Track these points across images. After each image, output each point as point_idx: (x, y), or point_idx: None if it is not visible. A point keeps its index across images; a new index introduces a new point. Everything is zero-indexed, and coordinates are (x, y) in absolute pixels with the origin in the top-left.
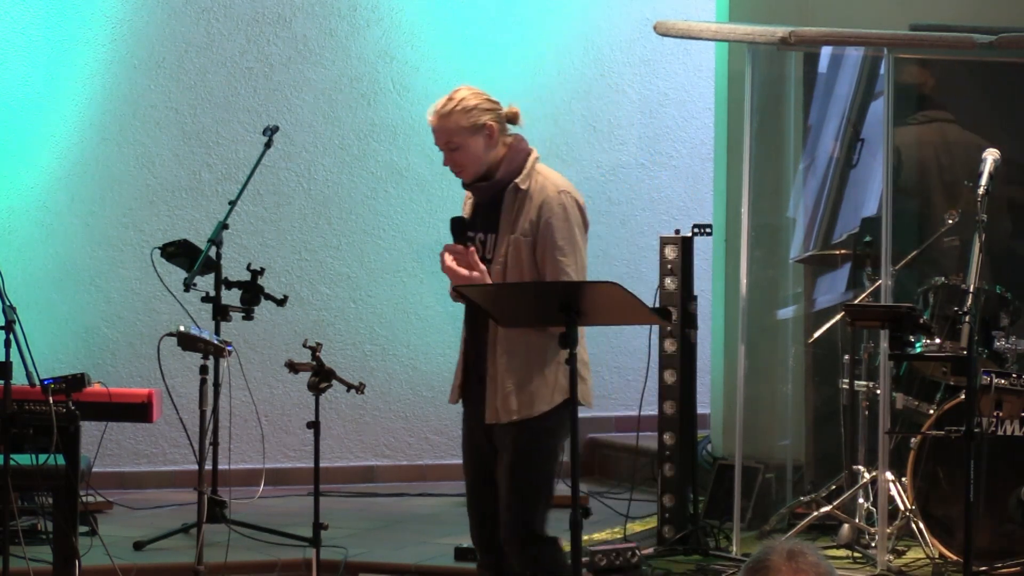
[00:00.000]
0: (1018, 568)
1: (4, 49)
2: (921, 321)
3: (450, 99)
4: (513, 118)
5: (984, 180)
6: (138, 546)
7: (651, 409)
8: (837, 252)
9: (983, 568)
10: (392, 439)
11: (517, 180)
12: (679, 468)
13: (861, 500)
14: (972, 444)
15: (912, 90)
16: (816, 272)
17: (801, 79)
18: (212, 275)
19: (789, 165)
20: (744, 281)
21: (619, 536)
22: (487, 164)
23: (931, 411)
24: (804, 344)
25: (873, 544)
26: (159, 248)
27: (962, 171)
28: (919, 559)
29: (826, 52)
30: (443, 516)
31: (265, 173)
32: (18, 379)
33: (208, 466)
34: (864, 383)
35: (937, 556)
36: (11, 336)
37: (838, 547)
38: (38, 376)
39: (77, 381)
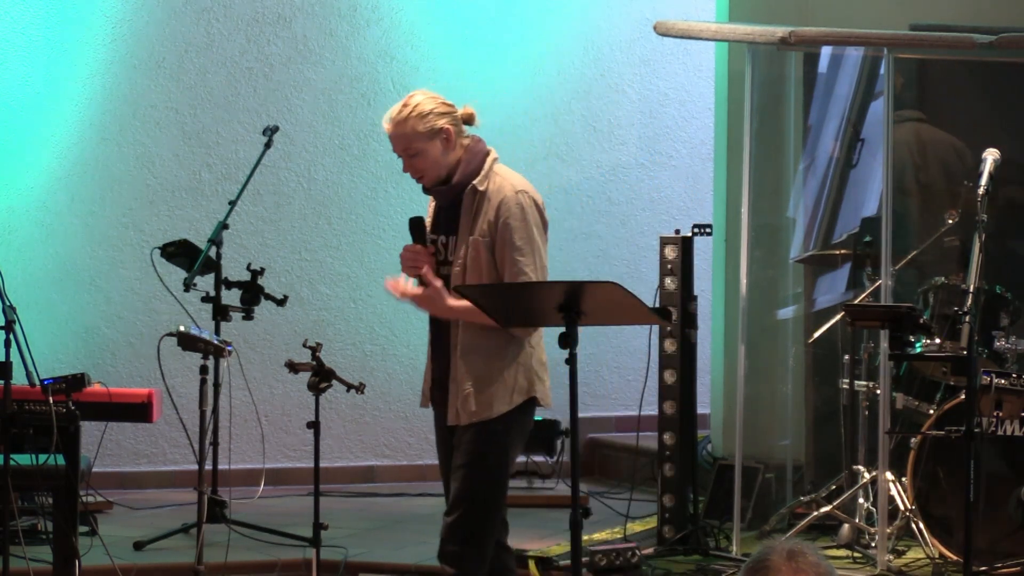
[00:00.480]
0: (1018, 568)
1: (4, 49)
2: (921, 321)
3: (405, 105)
4: (469, 119)
5: (984, 180)
6: (138, 546)
7: (651, 409)
8: (837, 252)
9: (983, 568)
10: (392, 439)
11: (475, 182)
12: (679, 468)
13: (861, 500)
14: (972, 444)
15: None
16: (816, 272)
17: (801, 79)
18: (212, 275)
19: (789, 165)
20: (744, 281)
21: (619, 536)
22: (446, 167)
23: (931, 411)
24: (804, 344)
25: (873, 544)
26: (159, 248)
27: (936, 170)
28: (919, 559)
29: (826, 52)
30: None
31: (265, 173)
32: (18, 379)
33: (208, 466)
34: (864, 383)
35: (937, 556)
36: (11, 336)
37: (838, 547)
38: (38, 376)
39: (77, 381)
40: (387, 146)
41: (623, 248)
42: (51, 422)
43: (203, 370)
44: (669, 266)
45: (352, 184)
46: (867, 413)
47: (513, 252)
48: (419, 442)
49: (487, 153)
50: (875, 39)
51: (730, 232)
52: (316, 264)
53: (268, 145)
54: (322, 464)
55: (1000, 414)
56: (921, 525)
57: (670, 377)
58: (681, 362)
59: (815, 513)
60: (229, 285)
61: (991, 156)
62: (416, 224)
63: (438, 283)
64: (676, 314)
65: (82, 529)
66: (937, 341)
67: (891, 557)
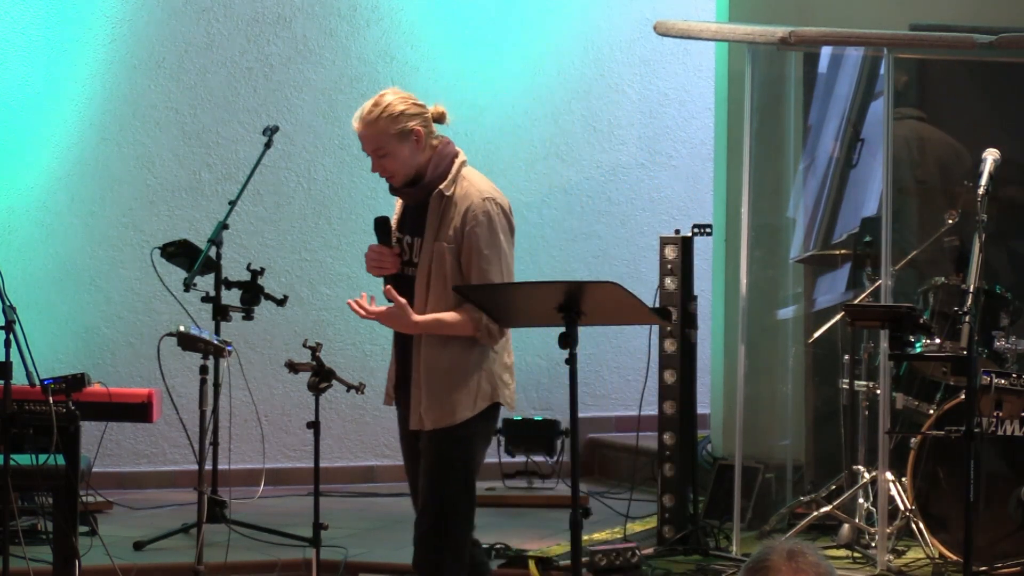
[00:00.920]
0: (1018, 568)
1: (4, 49)
2: (921, 321)
3: (376, 105)
4: (440, 118)
5: (984, 180)
6: (138, 546)
7: (651, 409)
8: (837, 252)
9: (983, 568)
10: (392, 439)
11: (442, 186)
12: (679, 468)
13: (861, 500)
14: (972, 444)
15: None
16: (816, 272)
17: (801, 79)
18: (212, 275)
19: (789, 165)
20: (744, 281)
21: (619, 536)
22: (415, 168)
23: (931, 411)
24: (804, 344)
25: (873, 544)
26: (159, 248)
27: (933, 170)
28: (919, 559)
29: (826, 52)
30: None
31: (265, 173)
32: (18, 379)
33: (208, 466)
34: (864, 383)
35: (937, 556)
36: (11, 336)
37: (838, 547)
38: (38, 376)
39: (77, 381)
40: None
41: (623, 248)
42: (51, 422)
43: (203, 370)
44: (669, 266)
45: (352, 184)
46: (867, 413)
47: (479, 260)
48: None
49: (455, 156)
50: (875, 39)
51: (730, 232)
52: (316, 264)
53: (268, 145)
54: (322, 464)
55: (1000, 414)
56: (921, 525)
57: (670, 377)
58: (681, 362)
59: (815, 513)
60: (229, 285)
61: (991, 156)
62: (382, 224)
63: (402, 300)
64: (676, 314)
65: (82, 529)
66: (937, 341)
67: (891, 557)
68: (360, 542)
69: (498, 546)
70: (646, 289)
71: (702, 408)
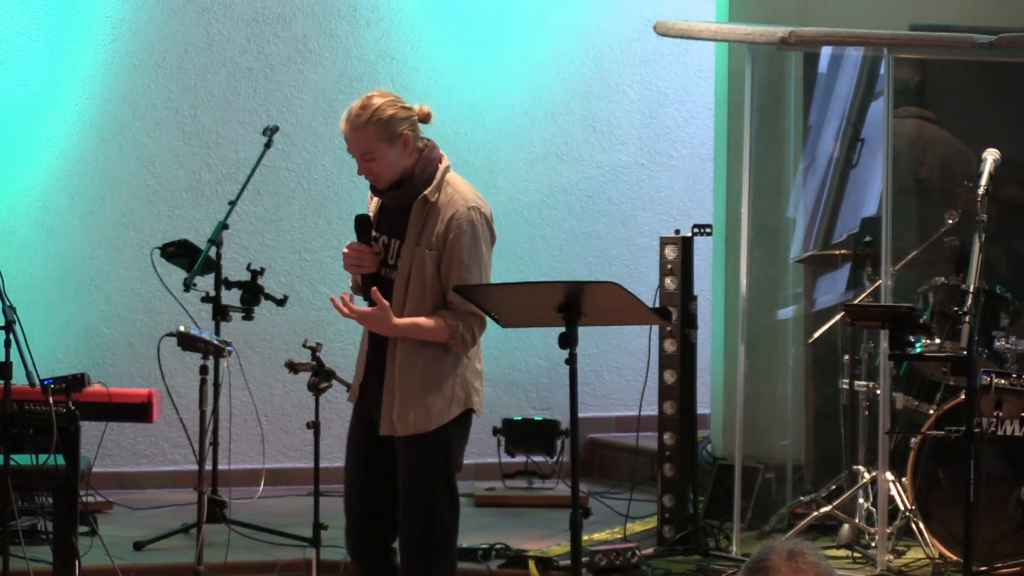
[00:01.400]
0: (1018, 568)
1: (4, 49)
2: (921, 321)
3: (364, 108)
4: (426, 118)
5: (984, 180)
6: (138, 546)
7: (651, 409)
8: (837, 252)
9: (983, 568)
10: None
11: (426, 192)
12: (679, 468)
13: (861, 500)
14: (972, 444)
15: (903, 84)
16: (816, 272)
17: (801, 79)
18: (212, 275)
19: (789, 165)
20: (744, 281)
21: (619, 536)
22: (401, 171)
23: (931, 411)
24: (804, 344)
25: (873, 544)
26: (159, 248)
27: (935, 170)
28: (919, 559)
29: (826, 52)
30: None
31: (265, 173)
32: (18, 379)
33: (208, 466)
34: (864, 383)
35: (937, 556)
36: (11, 336)
37: (838, 547)
38: (38, 376)
39: (77, 381)
40: None
41: (623, 248)
42: (51, 422)
43: (203, 370)
44: (669, 266)
45: (352, 184)
46: (867, 413)
47: (460, 268)
48: None
49: (440, 160)
50: (875, 39)
51: (730, 232)
52: (316, 264)
53: (268, 145)
54: (322, 464)
55: (1000, 414)
56: (921, 525)
57: (670, 377)
58: (681, 362)
59: (815, 513)
60: (229, 285)
61: (991, 156)
62: (363, 222)
63: (385, 303)
64: (676, 314)
65: (82, 529)
66: (937, 341)
67: (891, 557)
68: None
69: (498, 546)
70: (646, 289)
71: (702, 408)
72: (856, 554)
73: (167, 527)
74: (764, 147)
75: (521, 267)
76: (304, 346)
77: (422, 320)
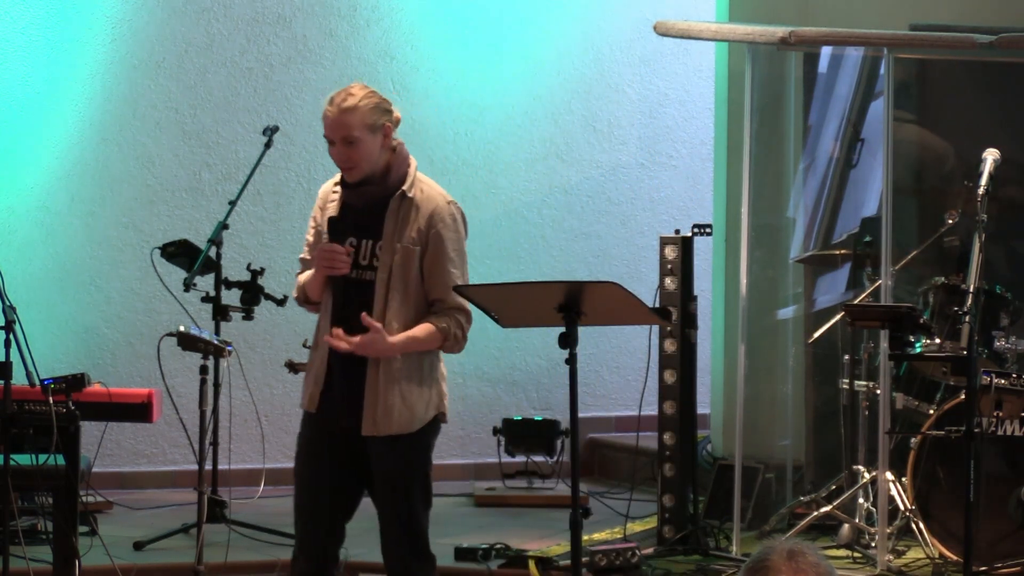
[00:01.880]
0: (1018, 568)
1: (4, 49)
2: (921, 321)
3: (351, 94)
4: (398, 123)
5: (984, 180)
6: (138, 546)
7: (651, 409)
8: (837, 252)
9: (983, 568)
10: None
11: (404, 188)
12: (679, 468)
13: (861, 500)
14: (972, 444)
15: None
16: (816, 272)
17: (801, 79)
18: (212, 275)
19: (789, 165)
20: (744, 281)
21: (619, 536)
22: (375, 165)
23: (931, 411)
24: (804, 344)
25: (873, 544)
26: (159, 248)
27: (910, 172)
28: (919, 559)
29: (826, 52)
30: (443, 516)
31: (265, 173)
32: (18, 379)
33: (208, 466)
34: (864, 383)
35: (937, 556)
36: (11, 336)
37: (838, 547)
38: (38, 376)
39: (77, 381)
40: None
41: (623, 248)
42: (51, 422)
43: (203, 370)
44: (669, 266)
45: None
46: (867, 413)
47: (447, 262)
48: None
49: (409, 158)
50: (875, 39)
51: (730, 232)
52: None
53: (268, 145)
54: None
55: (1000, 414)
56: (921, 525)
57: (670, 377)
58: (681, 362)
59: (815, 513)
60: (229, 285)
61: (991, 156)
62: (336, 223)
63: (377, 324)
64: (676, 314)
65: (82, 529)
66: (937, 341)
67: (891, 557)
68: (360, 542)
69: (498, 546)
70: (646, 289)
71: (702, 408)
72: (856, 554)
73: (167, 527)
74: (764, 147)
75: (521, 267)
76: (304, 346)
77: (416, 332)
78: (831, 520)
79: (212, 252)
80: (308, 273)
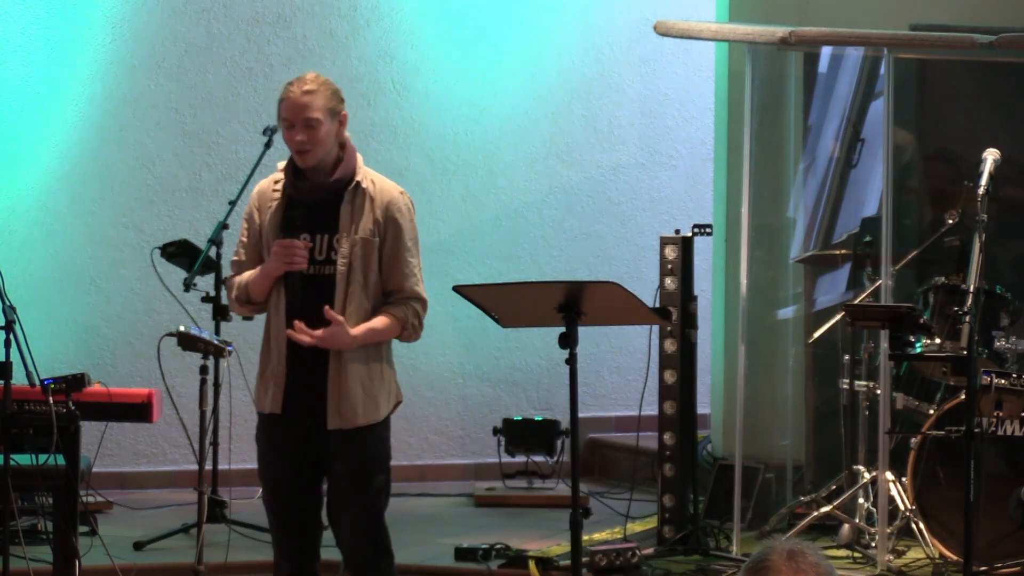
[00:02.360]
0: (1018, 568)
1: (4, 49)
2: (921, 321)
3: (315, 79)
4: (346, 119)
5: (984, 180)
6: (138, 546)
7: (651, 409)
8: (837, 252)
9: (983, 568)
10: (392, 439)
11: (358, 179)
12: (679, 468)
13: (861, 500)
14: (972, 444)
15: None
16: (816, 272)
17: (801, 79)
18: (212, 275)
19: (789, 165)
20: (744, 281)
21: (619, 536)
22: (328, 154)
23: (931, 411)
24: (804, 344)
25: (873, 544)
26: (159, 248)
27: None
28: (919, 559)
29: (826, 52)
30: (443, 516)
31: (265, 173)
32: (18, 379)
33: (208, 466)
34: (864, 383)
35: (937, 556)
36: (11, 336)
37: (838, 547)
38: (38, 376)
39: (77, 381)
40: (387, 145)
41: (623, 248)
42: (51, 422)
43: (203, 370)
44: (669, 266)
45: None
46: (867, 413)
47: (404, 252)
48: (419, 442)
49: (356, 152)
50: (875, 39)
51: (730, 232)
52: None
53: (268, 145)
54: None
55: (1000, 414)
56: (921, 525)
57: (670, 377)
58: (681, 362)
59: (815, 513)
60: None
61: (991, 156)
62: (293, 218)
63: (339, 318)
64: (676, 314)
65: (82, 529)
66: (937, 341)
67: (891, 557)
68: None
69: (498, 546)
70: (646, 289)
71: (702, 408)
72: (856, 554)
73: (167, 527)
74: (764, 147)
75: (521, 267)
76: None
77: (375, 323)
78: (831, 520)
79: (212, 252)
80: (250, 273)
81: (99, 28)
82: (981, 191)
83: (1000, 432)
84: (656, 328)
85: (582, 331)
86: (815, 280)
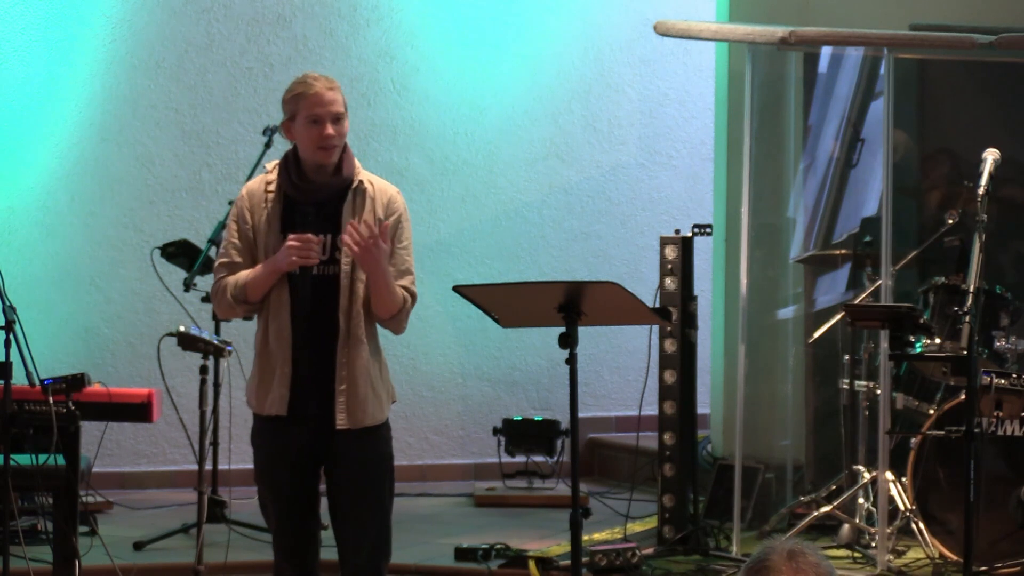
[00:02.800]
0: (1018, 568)
1: (4, 49)
2: (921, 321)
3: (330, 77)
4: None
5: (984, 180)
6: (138, 546)
7: (651, 409)
8: (837, 252)
9: (983, 568)
10: (392, 439)
11: (360, 178)
12: (679, 468)
13: (861, 500)
14: (972, 444)
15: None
16: (816, 272)
17: (801, 79)
18: (212, 275)
19: (789, 165)
20: (744, 281)
21: (619, 536)
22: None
23: (931, 411)
24: (804, 344)
25: (873, 544)
26: (159, 248)
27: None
28: (919, 559)
29: (826, 52)
30: (443, 516)
31: None
32: (18, 379)
33: (208, 466)
34: (864, 383)
35: (937, 556)
36: (11, 336)
37: (838, 547)
38: (38, 376)
39: (77, 381)
40: (387, 145)
41: (623, 248)
42: (51, 422)
43: (203, 370)
44: (669, 266)
45: None
46: (867, 413)
47: (401, 250)
48: (419, 442)
49: (352, 153)
50: (875, 39)
51: (730, 232)
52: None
53: (268, 145)
54: None
55: (1000, 414)
56: (921, 525)
57: (670, 377)
58: (681, 362)
59: (815, 513)
60: None
61: (991, 156)
62: (305, 214)
63: (375, 229)
64: (676, 314)
65: (82, 529)
66: (937, 341)
67: (891, 557)
68: None
69: (498, 546)
70: (646, 289)
71: (702, 408)
72: (856, 554)
73: (167, 527)
74: (764, 147)
75: (521, 267)
76: None
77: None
78: (831, 520)
79: (212, 252)
80: (248, 272)
81: (99, 28)
82: (981, 191)
83: (1000, 432)
84: (656, 328)
85: (582, 331)
86: (815, 280)
